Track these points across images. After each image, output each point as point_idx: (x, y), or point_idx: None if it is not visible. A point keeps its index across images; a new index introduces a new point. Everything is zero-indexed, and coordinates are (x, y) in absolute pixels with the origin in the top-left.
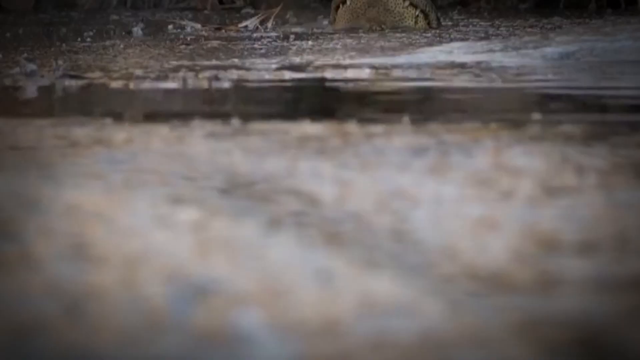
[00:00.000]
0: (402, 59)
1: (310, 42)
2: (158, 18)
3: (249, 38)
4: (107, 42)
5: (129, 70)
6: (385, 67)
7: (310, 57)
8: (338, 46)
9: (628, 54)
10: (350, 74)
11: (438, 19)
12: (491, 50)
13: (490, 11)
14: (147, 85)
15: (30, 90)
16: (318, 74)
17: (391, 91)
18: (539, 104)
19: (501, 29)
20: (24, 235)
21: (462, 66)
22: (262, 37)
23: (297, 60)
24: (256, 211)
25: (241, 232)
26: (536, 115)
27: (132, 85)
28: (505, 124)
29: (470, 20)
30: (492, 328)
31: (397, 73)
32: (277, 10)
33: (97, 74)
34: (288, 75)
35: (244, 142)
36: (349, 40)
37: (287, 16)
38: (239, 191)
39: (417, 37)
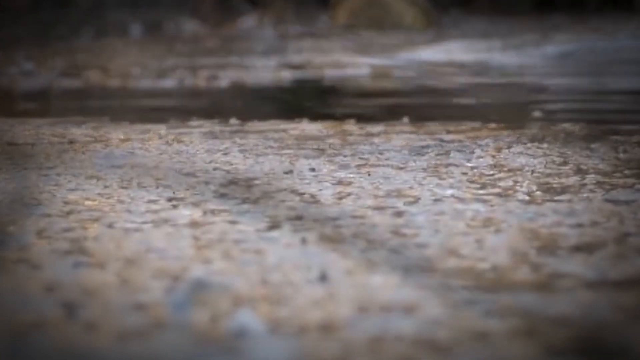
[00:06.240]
0: (401, 57)
1: (309, 41)
2: (156, 16)
3: (248, 36)
4: (105, 41)
5: (126, 69)
6: (384, 66)
7: (309, 56)
8: (337, 44)
9: (628, 52)
10: (349, 72)
11: (437, 17)
12: (490, 49)
13: (490, 9)
14: (145, 83)
15: (28, 89)
16: (317, 73)
17: (390, 90)
18: (537, 103)
19: (501, 27)
20: (23, 234)
21: (462, 65)
22: (260, 35)
23: (296, 58)
24: (255, 210)
25: (240, 231)
26: (535, 115)
27: (130, 84)
28: (504, 124)
29: (470, 18)
30: (491, 327)
31: (396, 72)
32: (276, 8)
33: (95, 72)
34: (287, 73)
35: (243, 141)
36: (347, 39)
37: (286, 14)
38: (238, 190)
39: (417, 35)
